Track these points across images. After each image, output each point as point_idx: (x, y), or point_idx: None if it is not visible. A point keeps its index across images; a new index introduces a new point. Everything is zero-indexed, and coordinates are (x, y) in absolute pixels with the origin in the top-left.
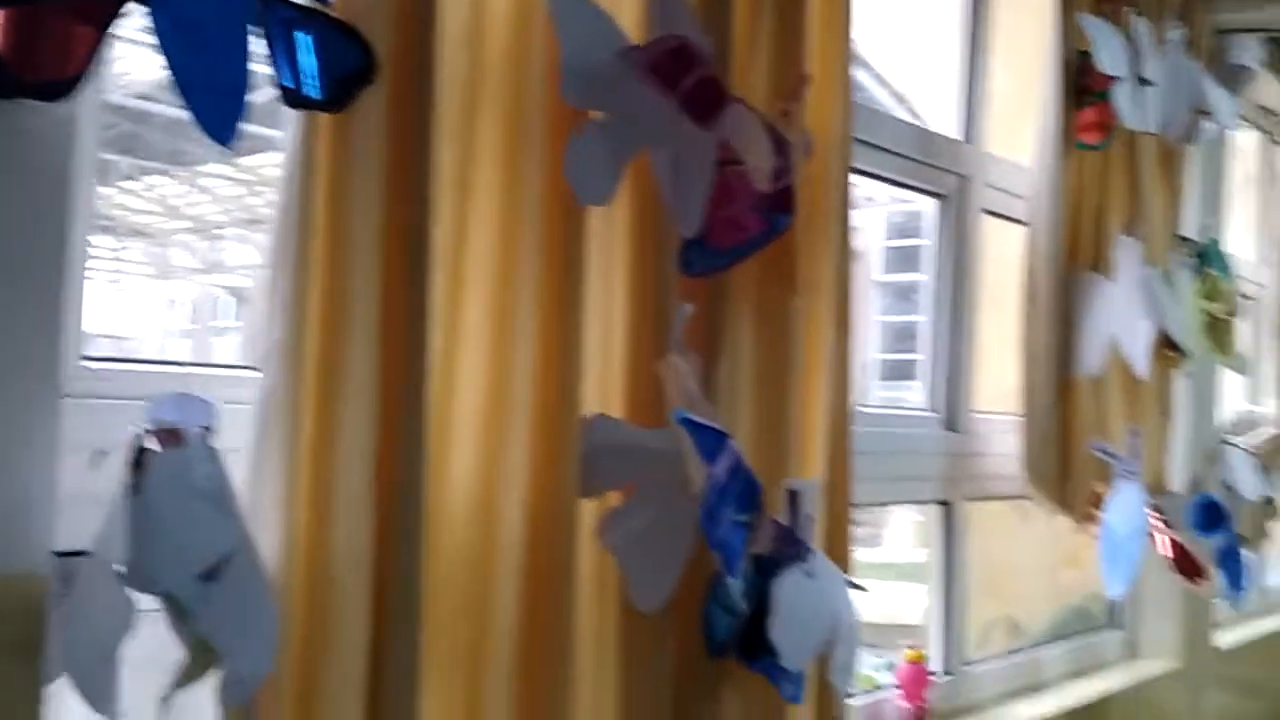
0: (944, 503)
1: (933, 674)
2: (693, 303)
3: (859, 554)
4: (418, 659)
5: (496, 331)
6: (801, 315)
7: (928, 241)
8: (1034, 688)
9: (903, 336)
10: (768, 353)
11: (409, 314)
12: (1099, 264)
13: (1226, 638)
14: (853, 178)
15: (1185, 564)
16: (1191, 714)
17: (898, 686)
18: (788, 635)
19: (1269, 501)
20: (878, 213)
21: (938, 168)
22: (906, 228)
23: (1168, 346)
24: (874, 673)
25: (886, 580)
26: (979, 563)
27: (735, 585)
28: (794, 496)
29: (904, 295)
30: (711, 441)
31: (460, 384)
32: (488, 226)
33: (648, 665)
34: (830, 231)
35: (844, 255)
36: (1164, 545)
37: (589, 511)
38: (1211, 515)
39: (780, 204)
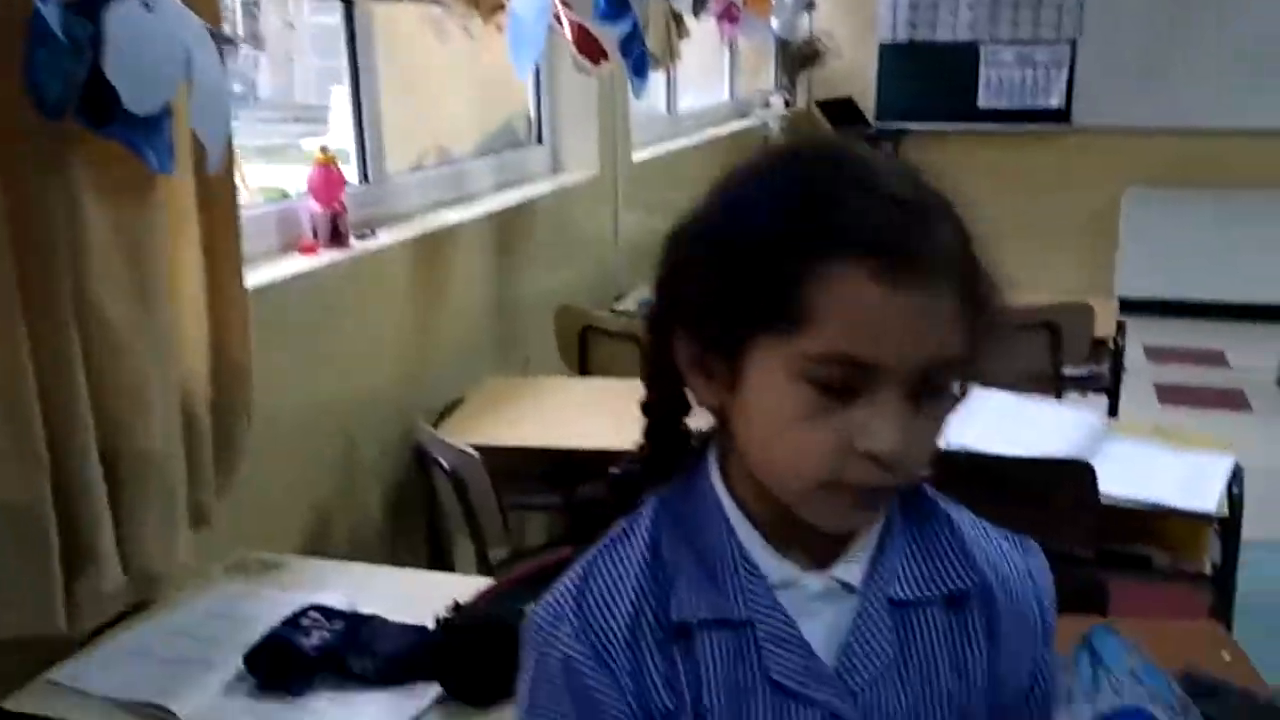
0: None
1: (347, 181)
2: None
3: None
4: None
5: None
6: None
7: None
8: (462, 199)
9: None
10: None
11: None
12: None
13: (641, 154)
14: None
15: (587, 47)
16: (610, 223)
17: (308, 192)
18: (126, 72)
19: (679, 19)
20: None
21: None
22: None
23: None
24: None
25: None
26: (404, 87)
27: (52, 12)
28: None
29: None
30: None
31: None
32: None
33: None
34: None
35: None
36: (568, 29)
37: None
38: (616, 4)
39: None
